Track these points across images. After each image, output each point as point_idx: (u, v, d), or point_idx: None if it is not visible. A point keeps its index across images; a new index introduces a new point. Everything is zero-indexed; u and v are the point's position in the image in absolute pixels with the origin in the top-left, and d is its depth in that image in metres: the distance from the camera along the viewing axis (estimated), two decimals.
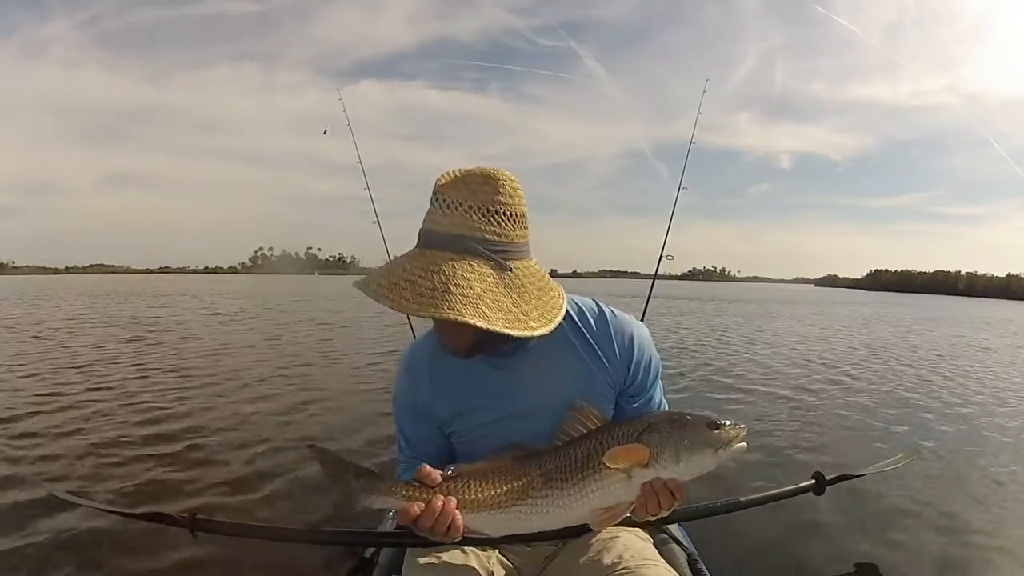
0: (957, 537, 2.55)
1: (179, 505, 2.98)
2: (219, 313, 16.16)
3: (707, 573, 1.36)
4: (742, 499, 1.63)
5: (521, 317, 0.96)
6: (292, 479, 3.42)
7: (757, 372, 7.72)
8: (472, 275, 0.94)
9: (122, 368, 6.89)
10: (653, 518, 0.98)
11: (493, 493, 0.98)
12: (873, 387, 6.79)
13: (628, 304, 1.81)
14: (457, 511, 0.95)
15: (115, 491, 3.23)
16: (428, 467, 0.98)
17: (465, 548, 1.16)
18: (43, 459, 3.72)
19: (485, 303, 0.93)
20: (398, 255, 1.06)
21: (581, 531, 1.15)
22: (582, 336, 1.15)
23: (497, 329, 0.92)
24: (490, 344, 1.04)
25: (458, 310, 0.90)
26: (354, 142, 2.79)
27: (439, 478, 0.97)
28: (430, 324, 1.12)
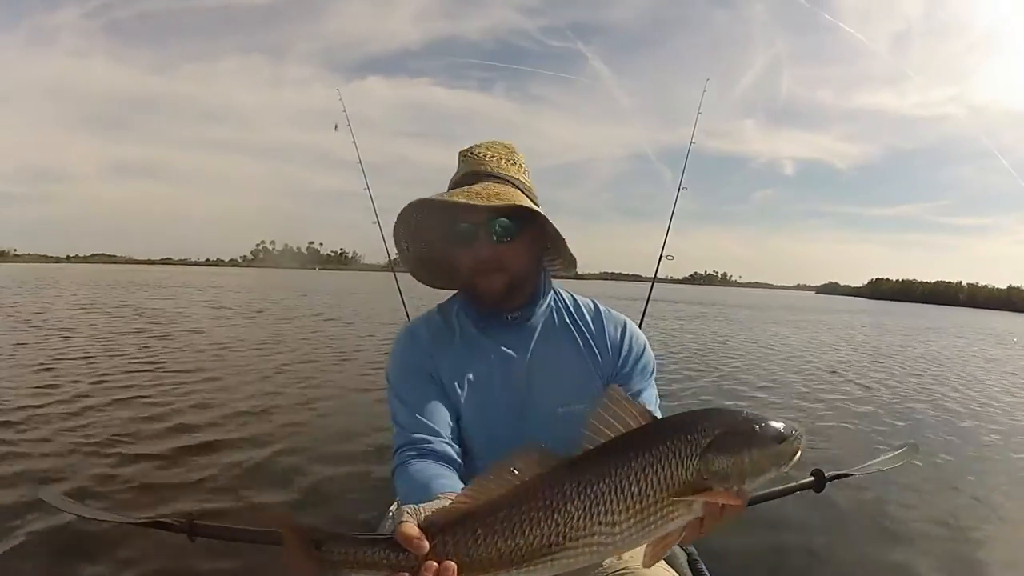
0: (956, 535, 2.55)
1: (177, 508, 2.98)
2: (222, 307, 16.17)
3: (707, 573, 1.36)
4: None
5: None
6: (292, 483, 3.42)
7: (757, 374, 7.72)
8: (518, 189, 1.19)
9: (124, 363, 6.88)
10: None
11: (513, 544, 0.73)
12: (875, 392, 6.80)
13: (628, 307, 1.81)
14: None
15: (112, 492, 3.23)
16: (410, 526, 0.73)
17: None
18: (42, 457, 3.72)
19: (531, 201, 1.18)
20: (396, 257, 1.18)
21: None
22: (577, 326, 1.26)
23: (539, 210, 1.15)
24: (513, 297, 1.19)
25: (519, 201, 1.13)
26: (354, 142, 2.78)
27: (425, 543, 0.72)
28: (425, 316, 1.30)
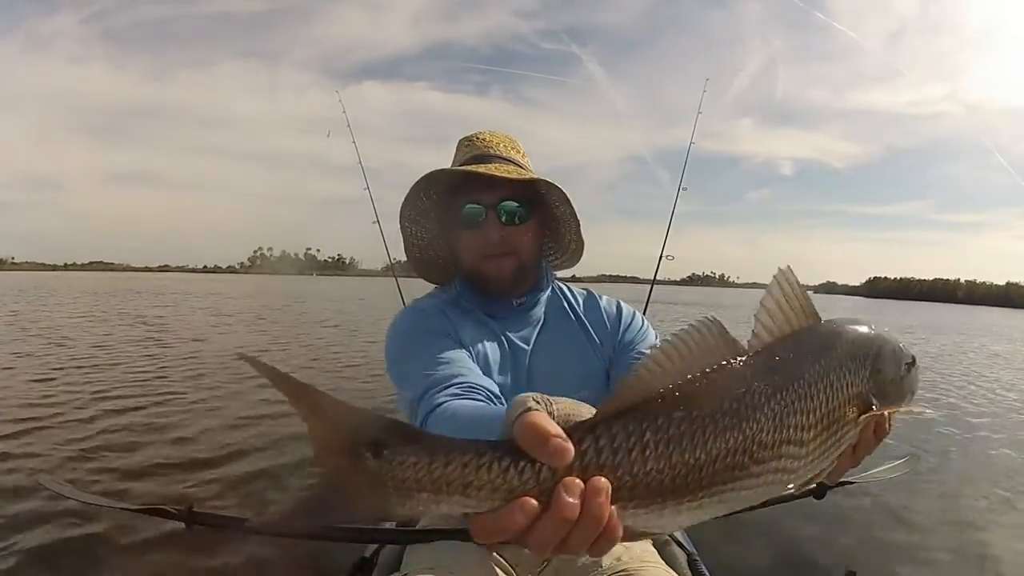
0: (957, 545, 2.54)
1: (175, 497, 2.95)
2: (222, 314, 16.14)
3: (707, 573, 1.36)
4: None
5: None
6: (293, 476, 3.37)
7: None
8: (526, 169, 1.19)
9: (128, 369, 6.86)
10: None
11: (692, 460, 0.49)
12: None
13: None
14: (613, 507, 0.47)
15: (112, 481, 3.23)
16: (543, 417, 0.47)
17: (464, 545, 1.12)
18: (43, 449, 3.70)
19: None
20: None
21: None
22: (576, 315, 1.25)
23: (556, 184, 1.13)
24: (521, 282, 1.18)
25: (533, 176, 1.13)
26: (353, 142, 2.77)
27: (569, 446, 0.45)
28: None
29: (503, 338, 1.17)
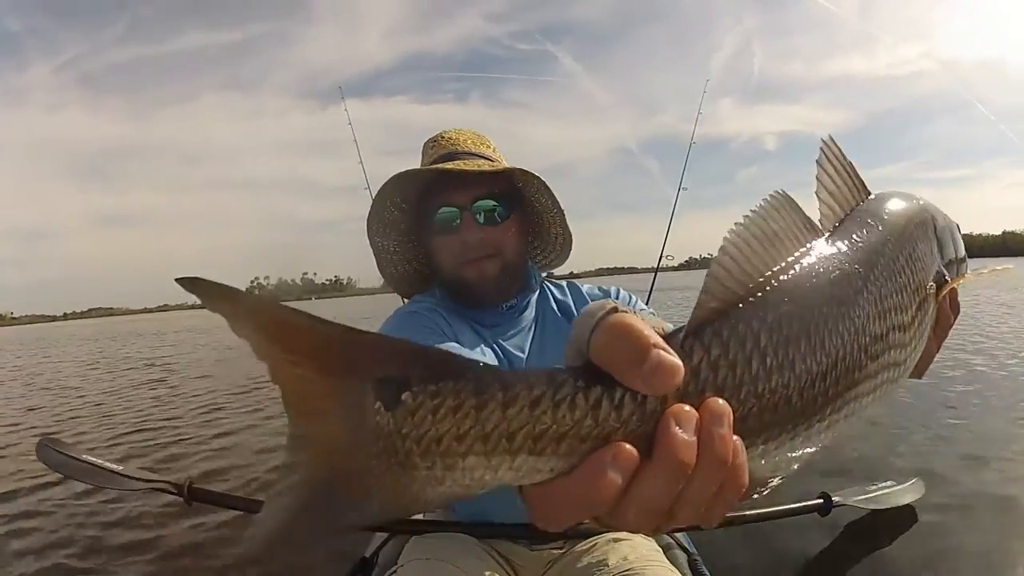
0: (970, 565, 2.49)
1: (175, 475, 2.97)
2: (231, 347, 16.09)
3: (707, 574, 1.35)
4: (747, 512, 1.61)
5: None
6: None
7: None
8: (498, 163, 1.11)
9: (141, 414, 6.84)
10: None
11: (814, 367, 0.37)
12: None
13: None
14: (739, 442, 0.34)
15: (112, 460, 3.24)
16: (630, 315, 0.33)
17: (465, 544, 1.10)
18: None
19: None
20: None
21: (587, 533, 1.14)
22: (564, 309, 1.19)
23: (533, 172, 1.05)
24: (506, 284, 1.10)
25: (507, 166, 1.06)
26: (355, 141, 2.78)
27: (679, 362, 0.31)
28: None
29: (496, 347, 1.10)
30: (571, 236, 1.18)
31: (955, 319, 0.58)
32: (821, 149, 0.50)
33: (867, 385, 0.42)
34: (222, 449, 4.78)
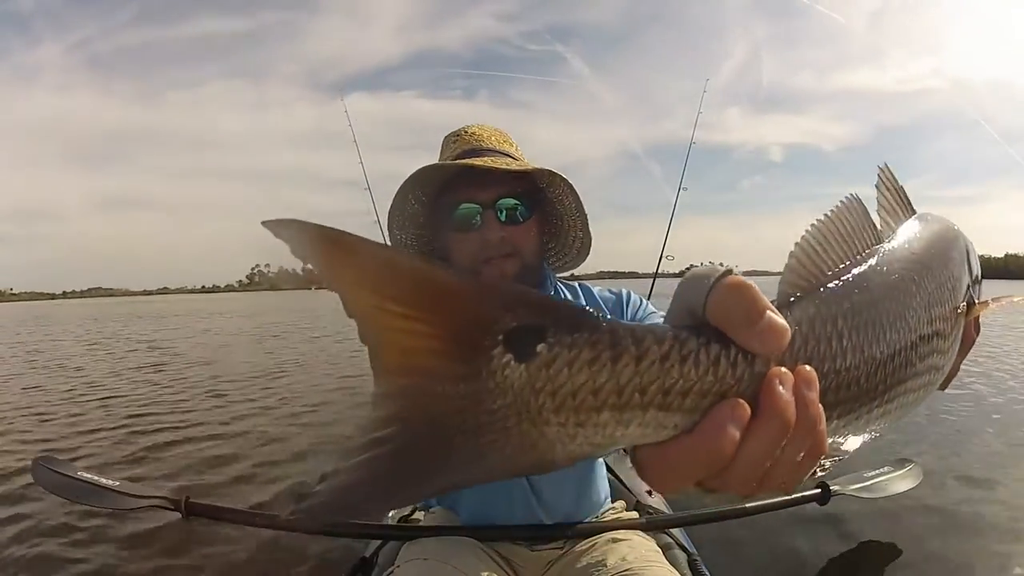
0: (966, 558, 2.50)
1: (172, 488, 2.92)
2: (229, 334, 16.07)
3: (707, 573, 1.35)
4: (747, 505, 1.61)
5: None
6: (294, 470, 3.35)
7: None
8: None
9: (154, 395, 6.83)
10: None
11: (881, 351, 0.41)
12: None
13: None
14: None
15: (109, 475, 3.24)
16: (754, 289, 0.34)
17: (465, 544, 1.10)
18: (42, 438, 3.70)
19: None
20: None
21: (586, 533, 1.16)
22: None
23: (561, 174, 1.06)
24: (523, 283, 1.06)
25: (536, 167, 1.05)
26: (355, 141, 2.76)
27: (787, 326, 0.33)
28: None
29: None
30: (591, 240, 1.18)
31: (976, 338, 0.60)
32: (878, 174, 0.56)
33: (915, 382, 0.46)
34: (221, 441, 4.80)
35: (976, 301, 0.59)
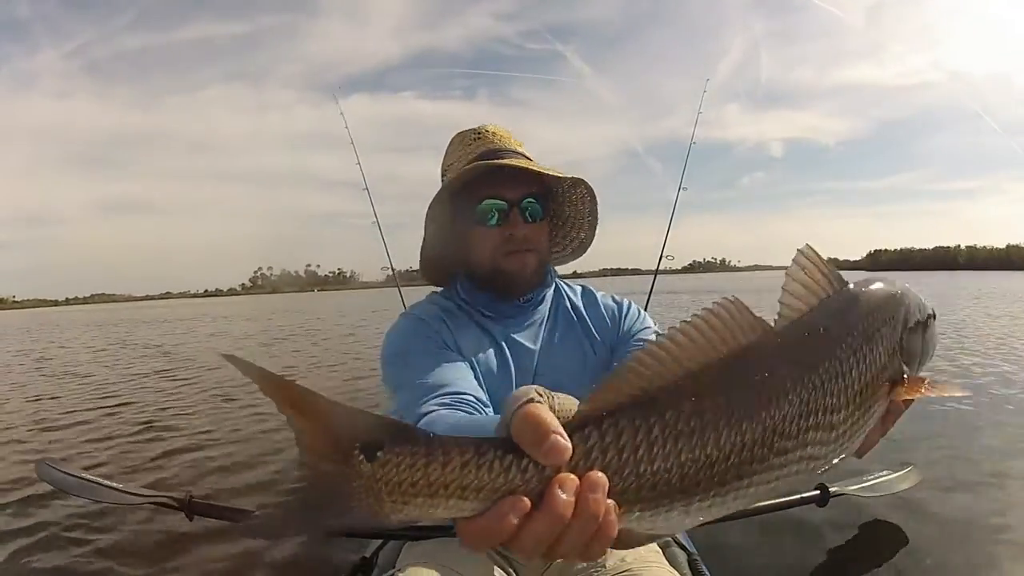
0: (964, 557, 2.49)
1: (175, 488, 2.93)
2: (235, 337, 16.10)
3: (707, 573, 1.35)
4: (747, 507, 1.61)
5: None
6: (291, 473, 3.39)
7: None
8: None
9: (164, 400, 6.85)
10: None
11: (703, 456, 0.45)
12: None
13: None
14: (611, 503, 0.44)
15: (111, 474, 3.24)
16: (543, 409, 0.44)
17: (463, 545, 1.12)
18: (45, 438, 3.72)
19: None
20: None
21: None
22: (577, 311, 1.24)
23: (588, 183, 1.15)
24: (538, 276, 1.16)
25: (558, 172, 1.10)
26: (352, 143, 2.75)
27: (567, 443, 0.43)
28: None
29: (507, 340, 1.14)
30: (591, 242, 1.26)
31: (902, 413, 0.60)
32: (795, 257, 0.56)
33: (767, 476, 0.48)
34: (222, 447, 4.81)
35: (904, 378, 0.57)
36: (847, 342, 0.54)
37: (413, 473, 0.42)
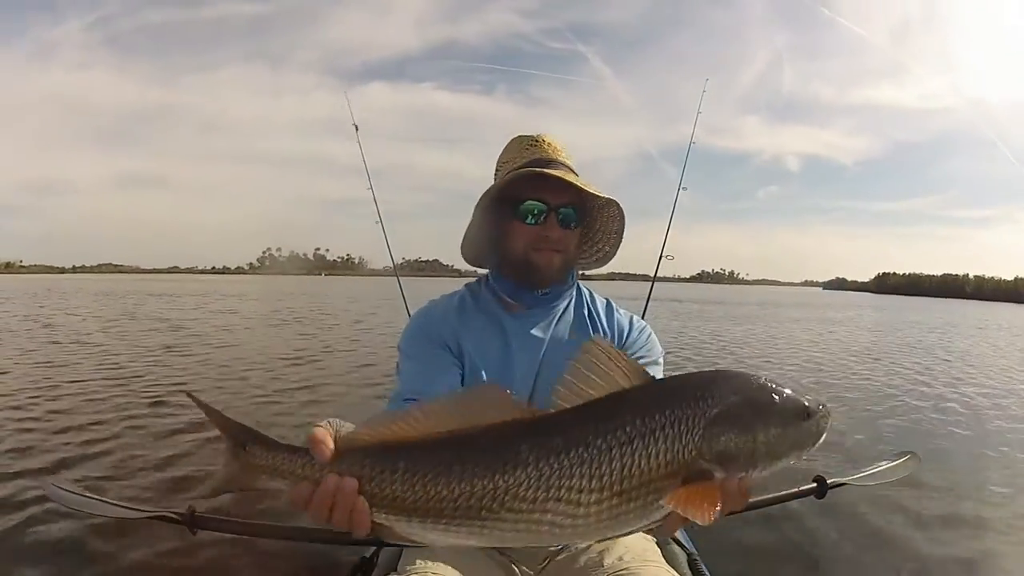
0: (958, 544, 2.50)
1: (178, 501, 2.97)
2: (247, 316, 16.12)
3: (707, 573, 1.35)
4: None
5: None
6: None
7: (766, 372, 7.66)
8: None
9: (152, 369, 6.90)
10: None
11: (435, 494, 0.64)
12: (890, 390, 6.71)
13: (632, 307, 1.81)
14: (361, 499, 0.69)
15: (115, 488, 3.25)
16: (321, 430, 0.71)
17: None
18: (48, 453, 3.77)
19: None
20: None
21: None
22: (591, 316, 1.34)
23: (619, 206, 1.27)
24: (561, 274, 1.27)
25: (597, 190, 1.21)
26: (358, 143, 2.77)
27: (328, 450, 0.70)
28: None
29: (517, 331, 1.25)
30: (614, 256, 1.37)
31: (715, 515, 0.59)
32: (583, 348, 0.67)
33: (503, 525, 0.62)
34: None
35: (716, 473, 0.59)
36: (616, 431, 0.59)
37: (261, 459, 0.75)
